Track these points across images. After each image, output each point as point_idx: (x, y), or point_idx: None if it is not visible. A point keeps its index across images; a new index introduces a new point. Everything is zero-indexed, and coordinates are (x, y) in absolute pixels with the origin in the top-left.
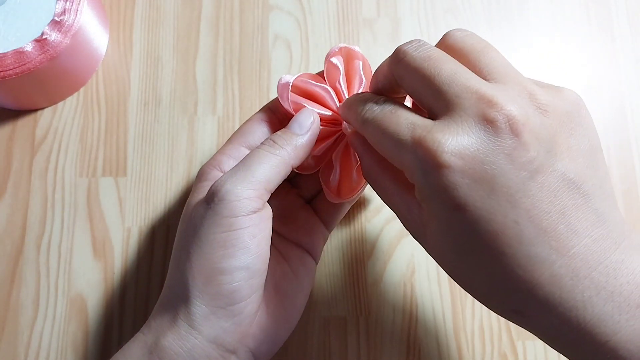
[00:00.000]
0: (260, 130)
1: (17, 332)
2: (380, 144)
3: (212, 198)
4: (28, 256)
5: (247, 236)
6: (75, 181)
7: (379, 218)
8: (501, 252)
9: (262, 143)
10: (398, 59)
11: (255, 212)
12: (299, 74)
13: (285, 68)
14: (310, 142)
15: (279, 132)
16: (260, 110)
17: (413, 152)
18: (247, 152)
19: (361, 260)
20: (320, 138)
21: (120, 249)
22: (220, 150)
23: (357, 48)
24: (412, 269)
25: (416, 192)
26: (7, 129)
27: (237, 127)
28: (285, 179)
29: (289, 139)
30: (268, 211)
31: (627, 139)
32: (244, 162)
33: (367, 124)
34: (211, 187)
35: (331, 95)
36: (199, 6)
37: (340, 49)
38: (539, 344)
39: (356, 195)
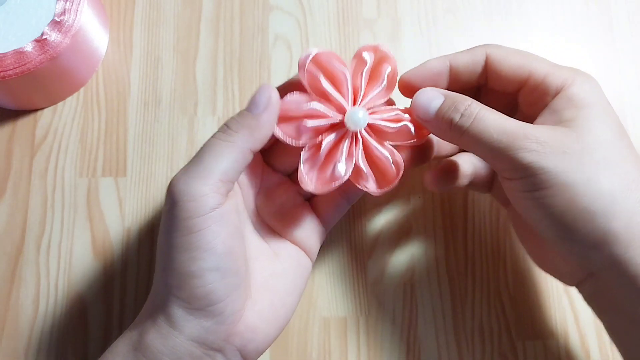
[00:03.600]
0: None
1: (17, 332)
2: None
3: (167, 201)
4: (28, 256)
5: (210, 236)
6: (75, 181)
7: (379, 218)
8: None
9: (217, 130)
10: None
11: (214, 208)
12: (327, 50)
13: (286, 68)
14: (268, 121)
15: (234, 116)
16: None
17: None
18: None
19: (361, 260)
20: (319, 132)
21: (120, 249)
22: None
23: (391, 54)
24: (412, 269)
25: None
26: (7, 129)
27: None
28: (285, 175)
29: (242, 121)
30: (231, 204)
31: None
32: (196, 156)
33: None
34: (167, 188)
35: (347, 82)
36: (199, 6)
37: (375, 47)
38: (539, 343)
39: (396, 182)
